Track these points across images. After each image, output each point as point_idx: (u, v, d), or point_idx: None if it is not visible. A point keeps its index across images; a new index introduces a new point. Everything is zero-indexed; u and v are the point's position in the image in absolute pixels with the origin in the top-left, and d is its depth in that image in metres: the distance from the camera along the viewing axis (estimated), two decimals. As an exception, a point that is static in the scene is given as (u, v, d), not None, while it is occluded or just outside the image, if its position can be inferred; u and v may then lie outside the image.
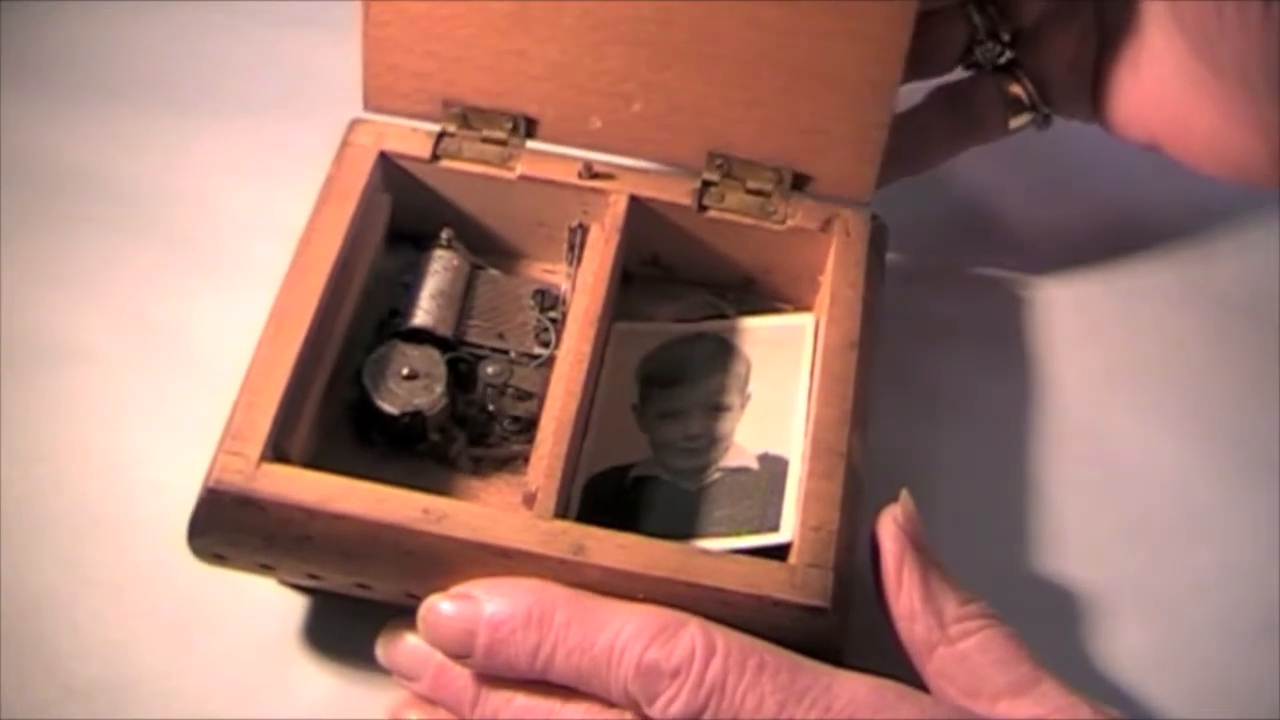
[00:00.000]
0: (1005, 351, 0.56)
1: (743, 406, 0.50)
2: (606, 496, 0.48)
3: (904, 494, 0.46)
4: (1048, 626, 0.49)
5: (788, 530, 0.46)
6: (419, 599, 0.44)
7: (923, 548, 0.45)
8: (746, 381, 0.51)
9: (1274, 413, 0.55)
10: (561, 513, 0.44)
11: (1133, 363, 0.57)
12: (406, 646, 0.44)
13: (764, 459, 0.49)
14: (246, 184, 0.59)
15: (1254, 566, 0.51)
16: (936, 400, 0.55)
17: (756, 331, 0.52)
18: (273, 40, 0.64)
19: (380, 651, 0.45)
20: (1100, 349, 0.57)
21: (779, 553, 0.45)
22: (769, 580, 0.43)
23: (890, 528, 0.45)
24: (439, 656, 0.43)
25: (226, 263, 0.57)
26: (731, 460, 0.49)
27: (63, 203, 0.58)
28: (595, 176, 0.52)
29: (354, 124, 0.53)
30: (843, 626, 0.43)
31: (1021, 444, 0.54)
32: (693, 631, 0.41)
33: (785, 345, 0.51)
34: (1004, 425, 0.54)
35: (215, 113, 0.62)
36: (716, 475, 0.49)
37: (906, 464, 0.53)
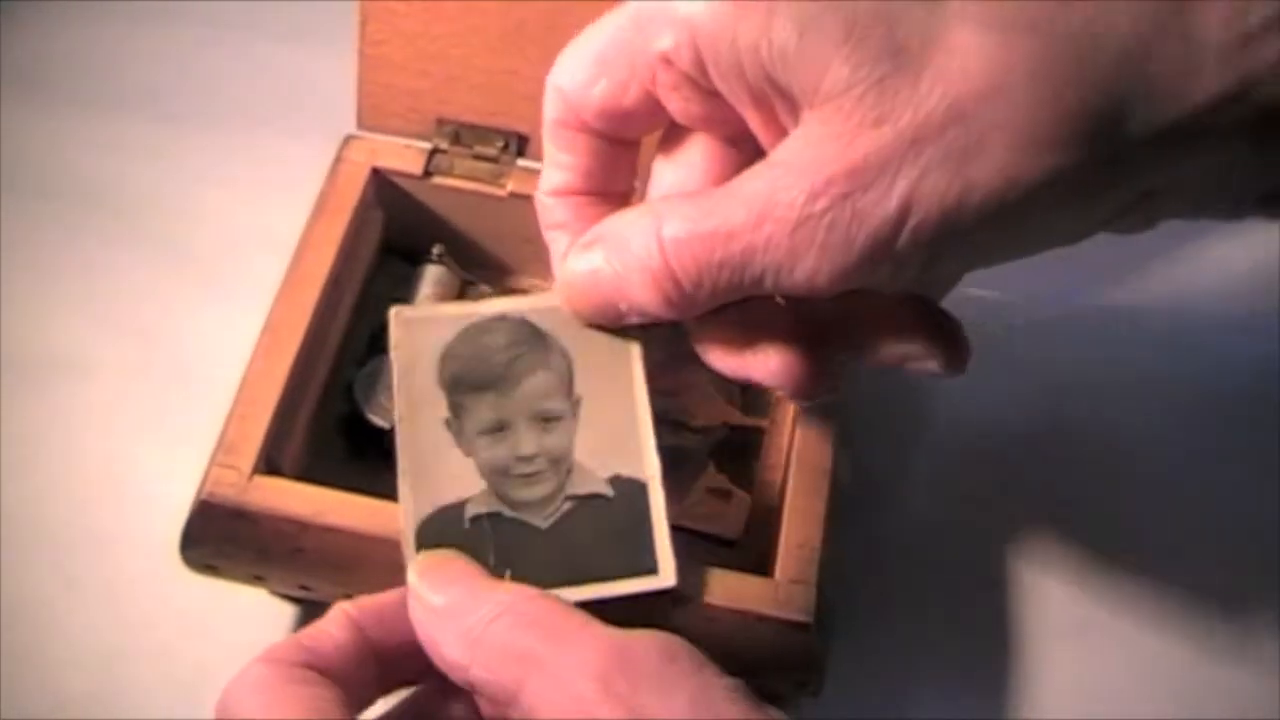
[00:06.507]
0: (991, 367, 0.57)
1: (574, 414, 0.43)
2: (446, 546, 0.41)
3: None
4: (1028, 642, 0.50)
5: (668, 572, 0.42)
6: (407, 611, 0.44)
7: None
8: (572, 382, 0.44)
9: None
10: None
11: (1121, 373, 0.57)
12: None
13: (616, 482, 0.43)
14: (243, 197, 0.60)
15: (1227, 585, 0.52)
16: (920, 416, 0.55)
17: (567, 312, 0.43)
18: (270, 53, 0.65)
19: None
20: (1088, 364, 0.58)
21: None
22: (752, 596, 0.43)
23: None
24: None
25: (222, 275, 0.57)
26: (580, 486, 0.43)
27: (59, 213, 0.59)
28: (585, 194, 0.52)
29: (347, 140, 0.53)
30: (825, 642, 0.44)
31: (1006, 458, 0.54)
32: None
33: (605, 333, 0.43)
34: (989, 440, 0.55)
35: (212, 125, 0.62)
36: (568, 506, 0.42)
37: (890, 480, 0.53)
